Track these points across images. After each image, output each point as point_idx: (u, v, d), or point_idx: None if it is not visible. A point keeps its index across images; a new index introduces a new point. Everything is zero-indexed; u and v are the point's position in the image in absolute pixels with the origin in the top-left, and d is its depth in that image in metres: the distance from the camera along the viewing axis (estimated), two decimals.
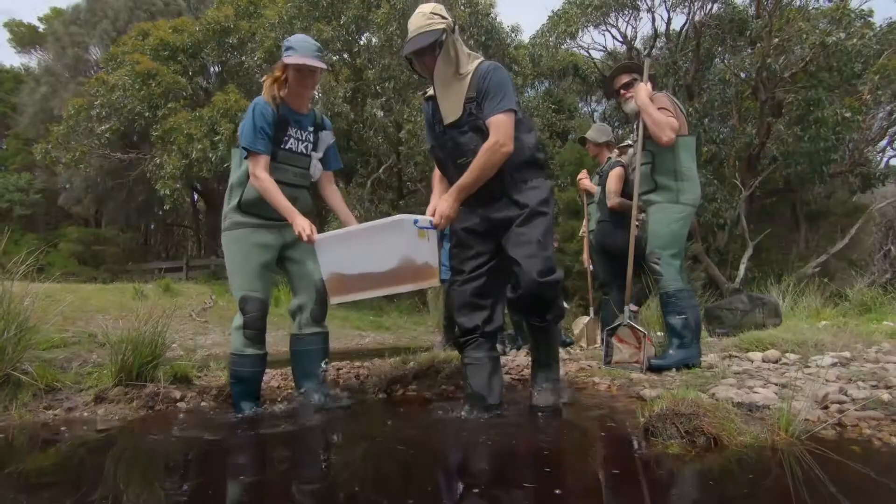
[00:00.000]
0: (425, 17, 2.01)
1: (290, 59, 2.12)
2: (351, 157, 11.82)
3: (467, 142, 2.02)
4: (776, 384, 2.23)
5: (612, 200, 3.71)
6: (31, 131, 15.19)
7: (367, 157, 11.59)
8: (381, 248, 1.96)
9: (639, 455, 1.52)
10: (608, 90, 3.23)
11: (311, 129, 2.30)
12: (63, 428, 2.00)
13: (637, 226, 3.55)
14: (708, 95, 11.11)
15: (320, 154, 2.35)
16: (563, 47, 12.63)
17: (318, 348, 2.31)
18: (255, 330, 2.19)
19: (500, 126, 1.92)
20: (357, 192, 10.61)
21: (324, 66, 2.21)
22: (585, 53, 13.51)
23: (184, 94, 10.85)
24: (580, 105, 15.44)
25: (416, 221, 1.93)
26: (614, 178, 3.73)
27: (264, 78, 2.25)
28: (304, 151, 2.29)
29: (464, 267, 2.14)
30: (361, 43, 11.02)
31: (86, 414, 2.21)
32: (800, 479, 1.29)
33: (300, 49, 2.12)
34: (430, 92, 2.13)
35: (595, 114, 15.57)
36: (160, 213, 16.18)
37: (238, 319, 2.20)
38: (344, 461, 1.65)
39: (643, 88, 2.86)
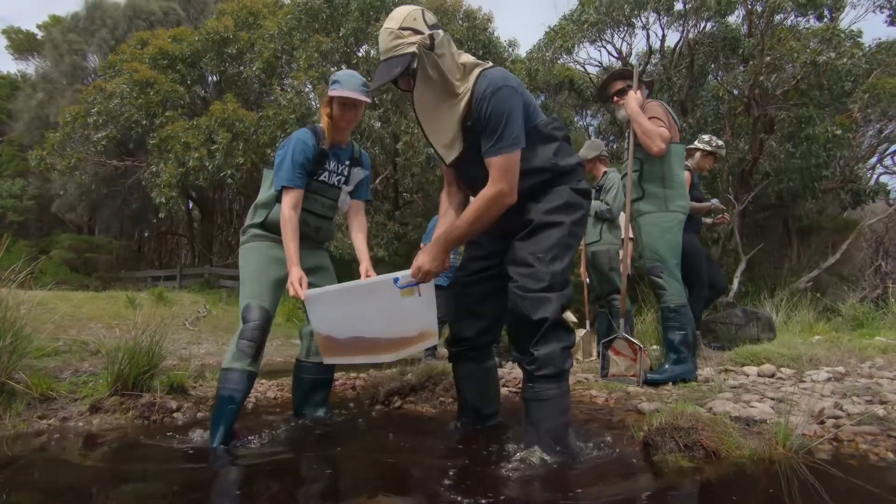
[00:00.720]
0: (392, 36, 1.64)
1: (335, 91, 2.09)
2: None
3: (477, 173, 1.70)
4: (772, 398, 2.24)
5: None
6: (27, 137, 15.14)
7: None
8: (368, 310, 1.84)
9: (639, 468, 1.52)
10: (601, 96, 3.27)
11: (347, 162, 2.27)
12: (57, 436, 1.98)
13: (630, 238, 3.60)
14: (701, 111, 11.27)
15: (350, 187, 2.30)
16: (559, 62, 12.79)
17: (322, 378, 2.29)
18: (250, 341, 2.01)
19: (501, 172, 1.62)
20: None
21: (368, 99, 2.14)
22: (581, 68, 13.69)
23: (181, 102, 10.88)
24: (575, 119, 15.58)
25: (396, 280, 1.78)
26: None
27: (319, 109, 2.26)
28: (336, 184, 2.25)
29: (471, 266, 1.92)
30: (360, 55, 11.12)
31: (81, 424, 2.18)
32: (798, 492, 1.30)
33: (346, 83, 2.09)
34: None
35: (590, 128, 15.73)
36: (154, 221, 16.13)
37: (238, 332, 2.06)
38: (343, 470, 1.64)
39: (633, 98, 2.88)
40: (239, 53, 11.13)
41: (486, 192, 1.64)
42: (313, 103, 10.08)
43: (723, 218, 3.83)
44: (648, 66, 11.95)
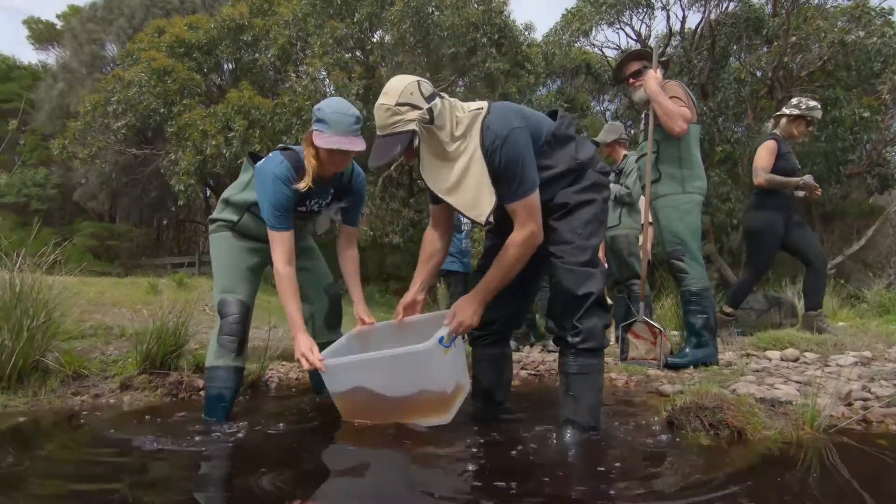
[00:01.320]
0: (389, 113, 1.57)
1: (321, 139, 1.80)
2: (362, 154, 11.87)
3: (504, 214, 1.67)
4: (797, 381, 2.22)
5: (760, 177, 3.42)
6: (48, 127, 15.41)
7: None
8: (401, 376, 1.71)
9: (664, 446, 1.52)
10: (617, 77, 3.18)
11: (331, 192, 2.07)
12: (90, 412, 2.04)
13: (650, 223, 3.55)
14: (722, 94, 10.99)
15: (332, 211, 2.11)
16: (576, 45, 12.58)
17: None
18: (231, 336, 1.93)
19: (528, 214, 1.61)
20: (368, 189, 10.64)
21: (361, 147, 1.83)
22: (598, 52, 13.45)
23: (198, 90, 10.94)
24: (592, 104, 15.35)
25: (440, 340, 1.67)
26: (764, 152, 3.45)
27: (303, 142, 1.93)
28: (317, 209, 2.08)
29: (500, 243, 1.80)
30: (374, 40, 11.05)
31: (112, 400, 2.25)
32: (827, 472, 1.29)
33: (335, 124, 1.79)
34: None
35: (607, 112, 15.48)
36: (173, 208, 16.37)
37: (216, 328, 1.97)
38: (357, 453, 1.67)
39: (652, 77, 2.81)
40: (254, 40, 11.13)
41: (518, 237, 1.64)
42: (328, 90, 10.07)
43: (815, 193, 3.50)
44: (668, 49, 11.69)
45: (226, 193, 2.11)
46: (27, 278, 2.29)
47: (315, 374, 2.24)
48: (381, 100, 1.60)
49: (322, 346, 2.14)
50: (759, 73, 11.02)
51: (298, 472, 1.40)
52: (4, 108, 18.47)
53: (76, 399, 2.23)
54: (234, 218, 2.05)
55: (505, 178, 1.59)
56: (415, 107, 1.58)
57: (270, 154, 1.97)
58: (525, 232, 1.63)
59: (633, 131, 11.85)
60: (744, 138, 10.87)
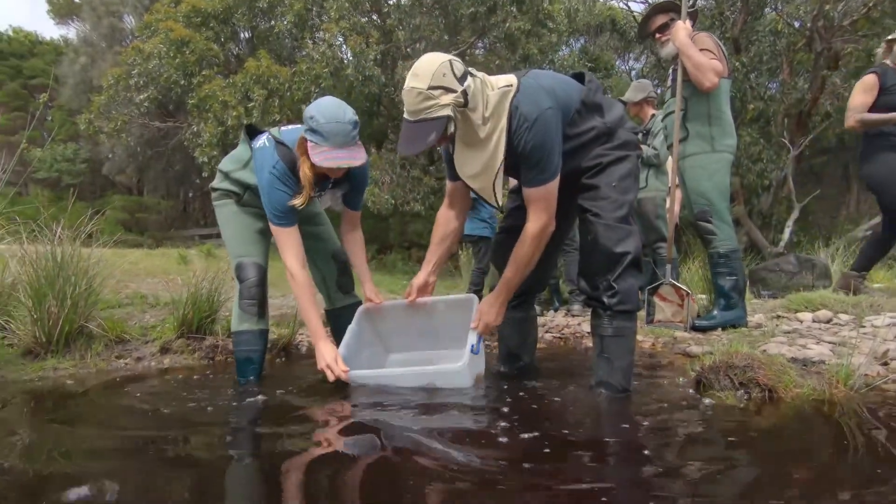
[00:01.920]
0: (421, 98, 1.47)
1: (318, 155, 1.69)
2: (381, 123, 11.78)
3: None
4: (830, 342, 2.18)
5: (850, 119, 3.19)
6: (74, 102, 15.66)
7: (398, 121, 11.51)
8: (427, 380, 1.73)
9: (693, 405, 1.52)
10: (642, 32, 3.03)
11: (329, 184, 1.97)
12: (134, 373, 2.14)
13: (678, 185, 3.45)
14: (756, 48, 10.43)
15: (333, 196, 2.02)
16: (600, 1, 12.03)
17: None
18: (251, 300, 1.96)
19: (544, 203, 1.58)
20: (388, 157, 10.60)
21: (362, 159, 1.74)
22: (624, 6, 12.84)
23: (216, 61, 10.92)
24: (617, 63, 14.78)
25: (472, 349, 1.69)
26: (858, 90, 3.18)
27: (297, 147, 1.81)
28: (317, 195, 1.99)
29: (523, 213, 1.77)
30: (391, 2, 10.77)
31: (153, 363, 2.36)
32: (860, 430, 1.28)
33: (330, 137, 1.67)
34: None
35: (633, 71, 14.90)
36: (197, 180, 16.62)
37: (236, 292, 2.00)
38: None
39: (682, 28, 2.68)
40: (270, 7, 10.96)
41: (532, 228, 1.61)
42: (345, 57, 9.93)
43: None
44: (699, 1, 11.07)
45: (225, 166, 2.05)
46: (67, 250, 2.38)
47: (338, 338, 2.22)
48: (412, 83, 1.48)
49: (340, 312, 2.19)
50: (796, 24, 10.38)
51: (326, 430, 1.45)
52: (31, 85, 18.83)
53: (120, 362, 2.35)
54: (236, 191, 2.03)
55: (528, 162, 1.54)
56: (448, 89, 1.48)
57: (265, 140, 1.88)
58: (539, 224, 1.60)
59: (659, 90, 11.40)
60: (778, 95, 10.37)
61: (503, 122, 1.53)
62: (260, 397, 1.73)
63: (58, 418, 1.57)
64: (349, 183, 2.00)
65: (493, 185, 1.59)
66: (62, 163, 16.29)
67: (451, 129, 1.52)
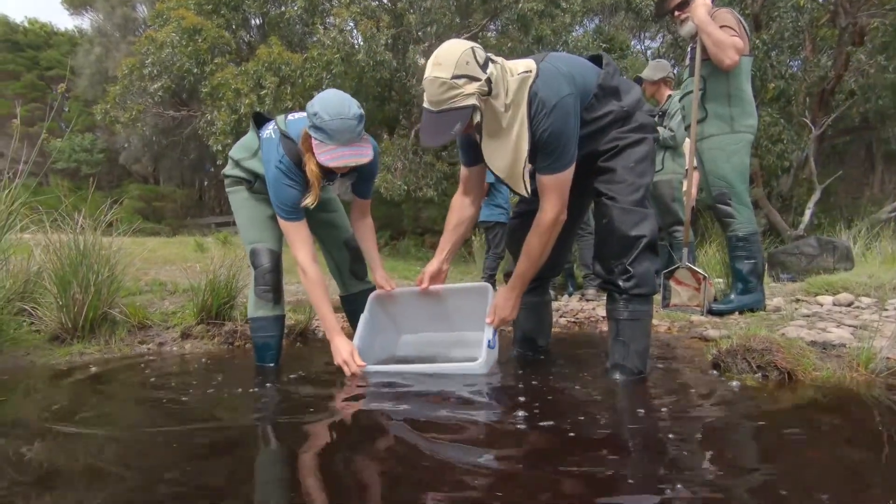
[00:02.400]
0: (445, 88, 1.42)
1: (324, 154, 1.65)
2: (393, 108, 11.70)
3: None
4: (851, 325, 2.14)
5: None
6: (90, 93, 15.84)
7: (410, 107, 11.43)
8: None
9: (710, 388, 1.52)
10: (660, 10, 2.95)
11: (337, 175, 1.92)
12: (157, 358, 2.20)
13: (695, 168, 3.39)
14: (778, 24, 10.09)
15: (342, 185, 1.99)
16: None
17: None
18: (266, 286, 1.98)
19: (556, 192, 1.56)
20: (400, 143, 10.56)
21: (369, 155, 1.70)
22: None
23: (228, 48, 10.92)
24: (633, 43, 14.44)
25: (489, 345, 1.71)
26: None
27: (301, 142, 1.77)
28: (327, 184, 1.96)
29: (534, 201, 1.76)
30: None
31: (175, 348, 2.41)
32: (881, 414, 1.26)
33: (336, 135, 1.63)
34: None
35: (648, 51, 14.56)
36: (212, 169, 16.80)
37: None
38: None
39: (701, 4, 2.60)
40: None
41: (545, 218, 1.59)
42: (356, 42, 9.86)
43: None
44: None
45: (235, 154, 2.04)
46: (88, 238, 2.43)
47: (353, 323, 2.24)
48: (434, 72, 1.44)
49: (355, 297, 2.19)
50: None
51: (341, 416, 1.48)
52: (48, 76, 19.07)
53: (143, 347, 2.41)
54: (248, 178, 2.02)
55: (545, 149, 1.51)
56: (472, 78, 1.44)
57: (272, 131, 1.85)
58: (552, 213, 1.58)
59: (677, 70, 11.14)
60: (800, 73, 10.06)
61: (523, 109, 1.49)
62: (277, 384, 1.77)
63: (87, 401, 1.63)
64: (358, 172, 1.97)
65: (523, 174, 1.56)
66: (80, 153, 16.56)
67: (477, 118, 1.49)
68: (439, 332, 2.13)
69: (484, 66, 1.46)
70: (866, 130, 11.38)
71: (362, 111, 1.69)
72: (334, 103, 1.65)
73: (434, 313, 2.08)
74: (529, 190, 1.61)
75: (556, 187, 1.56)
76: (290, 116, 1.88)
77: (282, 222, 1.85)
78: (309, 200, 1.78)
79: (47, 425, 1.34)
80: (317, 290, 1.84)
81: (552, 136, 1.49)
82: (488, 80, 1.45)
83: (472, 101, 1.44)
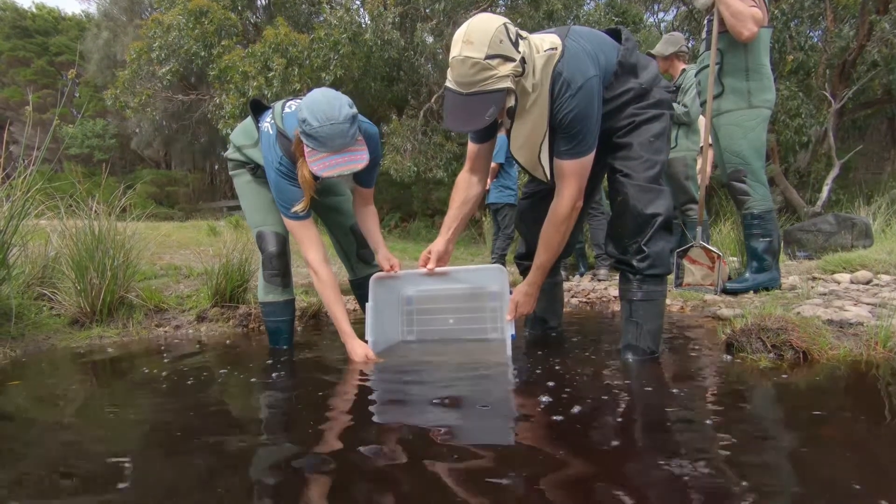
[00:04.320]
0: (477, 68, 1.32)
1: (316, 163, 1.59)
2: (401, 88, 11.56)
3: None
4: (869, 304, 2.11)
5: None
6: (100, 78, 15.85)
7: (419, 86, 11.29)
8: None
9: (724, 369, 1.51)
10: None
11: None
12: (175, 340, 2.24)
13: (710, 145, 3.32)
14: None
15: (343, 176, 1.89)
16: None
17: None
18: (274, 271, 1.98)
19: (575, 177, 1.51)
20: (410, 123, 10.47)
21: (364, 159, 1.61)
22: None
23: (235, 30, 10.82)
24: (646, 16, 14.04)
25: (513, 338, 1.76)
26: None
27: (294, 147, 1.71)
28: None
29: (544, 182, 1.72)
30: None
31: (191, 331, 2.46)
32: None
33: (327, 142, 1.56)
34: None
35: (662, 24, 14.17)
36: (223, 153, 16.82)
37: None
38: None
39: None
40: None
41: (563, 207, 1.55)
42: (363, 20, 9.71)
43: None
44: None
45: (237, 140, 2.00)
46: (103, 224, 2.46)
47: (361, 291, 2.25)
48: (465, 51, 1.32)
49: (364, 281, 2.12)
50: None
51: (356, 391, 1.50)
52: (57, 62, 19.12)
53: (160, 330, 2.45)
54: (251, 164, 1.99)
55: (567, 132, 1.45)
56: (507, 58, 1.33)
57: (269, 125, 1.78)
58: (569, 201, 1.54)
59: (692, 43, 10.85)
60: (820, 44, 9.73)
61: (546, 89, 1.41)
62: (290, 367, 1.79)
63: (103, 386, 1.66)
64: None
65: (539, 157, 1.51)
66: (92, 139, 16.66)
67: (511, 102, 1.40)
68: (443, 286, 2.05)
69: (516, 44, 1.37)
70: (889, 103, 11.02)
71: (354, 110, 1.61)
72: (323, 107, 1.56)
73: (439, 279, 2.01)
74: (549, 175, 1.56)
75: (575, 173, 1.51)
76: (286, 108, 1.80)
77: (288, 223, 1.83)
78: (300, 207, 1.75)
79: (60, 411, 1.38)
80: (328, 293, 1.82)
81: (576, 118, 1.42)
82: (522, 60, 1.36)
83: (507, 83, 1.35)
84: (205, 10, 10.21)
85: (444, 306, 2.11)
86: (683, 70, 3.77)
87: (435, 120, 11.24)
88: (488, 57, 1.31)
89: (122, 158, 18.44)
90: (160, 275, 3.77)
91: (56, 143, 12.90)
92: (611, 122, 1.60)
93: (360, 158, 1.61)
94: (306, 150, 1.61)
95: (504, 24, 1.36)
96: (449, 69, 1.38)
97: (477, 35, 1.32)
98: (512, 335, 1.77)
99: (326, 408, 1.32)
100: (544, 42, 1.44)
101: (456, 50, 1.34)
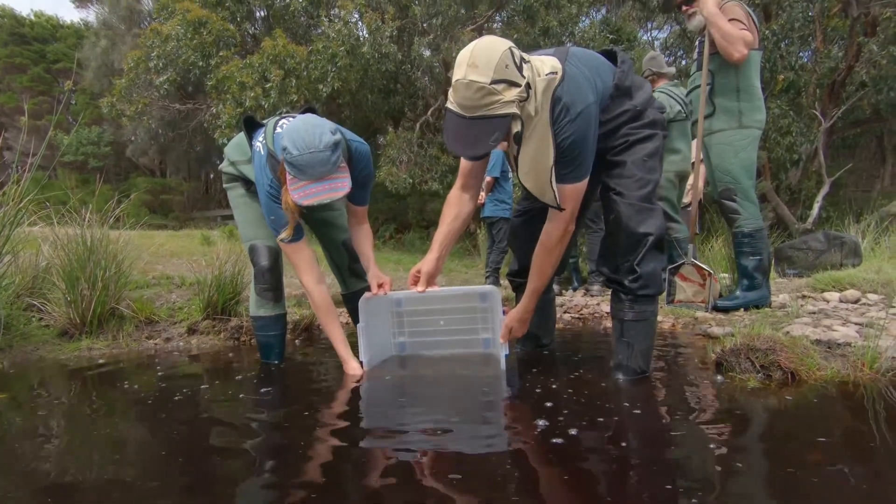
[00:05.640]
0: (482, 93, 1.29)
1: (297, 192, 1.57)
2: (398, 100, 11.65)
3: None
4: (857, 323, 2.13)
5: None
6: (96, 86, 15.88)
7: (415, 99, 11.38)
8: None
9: (714, 389, 1.52)
10: (667, 5, 2.91)
11: None
12: (164, 353, 2.23)
13: (701, 160, 3.35)
14: (787, 15, 9.94)
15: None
16: None
17: None
18: (266, 285, 1.97)
19: (570, 200, 1.52)
20: (406, 136, 10.53)
21: (347, 187, 1.59)
22: None
23: (233, 41, 10.89)
24: (640, 33, 14.26)
25: (507, 356, 1.80)
26: None
27: (280, 172, 1.67)
28: None
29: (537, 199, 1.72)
30: None
31: (181, 344, 2.44)
32: (885, 414, 1.26)
33: (308, 170, 1.53)
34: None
35: (656, 42, 14.40)
36: (218, 162, 16.81)
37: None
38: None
39: None
40: None
41: (555, 233, 1.57)
42: (361, 33, 9.81)
43: None
44: None
45: (231, 155, 1.99)
46: (96, 233, 2.46)
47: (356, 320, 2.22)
48: (471, 74, 1.29)
49: (356, 295, 2.09)
50: None
51: (349, 409, 1.49)
52: (55, 69, 19.13)
53: (150, 342, 2.43)
54: (245, 178, 1.98)
55: (563, 157, 1.45)
56: (512, 83, 1.31)
57: (260, 145, 1.76)
58: (561, 225, 1.56)
59: (684, 63, 11.01)
60: (810, 64, 9.92)
61: (546, 113, 1.40)
62: (281, 382, 1.79)
63: (89, 399, 1.65)
64: (352, 179, 1.87)
65: (551, 183, 1.46)
66: (88, 146, 16.64)
67: (517, 127, 1.38)
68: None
69: (520, 69, 1.35)
70: (877, 122, 11.22)
71: (337, 137, 1.57)
72: (303, 135, 1.53)
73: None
74: (559, 201, 1.51)
75: (570, 198, 1.52)
76: (277, 128, 1.74)
77: (281, 245, 1.82)
78: (284, 234, 1.74)
79: (46, 424, 1.36)
80: (324, 316, 1.85)
81: (574, 144, 1.43)
82: (527, 86, 1.35)
83: (512, 108, 1.33)
84: (204, 21, 10.28)
85: (433, 307, 2.12)
86: (655, 89, 3.79)
87: (431, 132, 11.32)
88: (494, 82, 1.29)
89: (116, 166, 18.40)
90: (152, 284, 3.75)
91: (51, 150, 12.85)
92: (606, 143, 1.62)
93: (341, 186, 1.58)
94: (288, 177, 1.60)
95: (510, 48, 1.35)
96: (451, 91, 1.35)
97: (482, 59, 1.30)
98: (506, 353, 1.78)
99: (314, 427, 1.32)
100: (545, 66, 1.44)
101: (460, 73, 1.32)
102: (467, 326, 2.09)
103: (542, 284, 1.71)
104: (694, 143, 3.39)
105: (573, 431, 1.18)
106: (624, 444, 1.12)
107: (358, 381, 1.74)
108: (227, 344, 2.45)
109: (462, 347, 2.07)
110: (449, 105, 1.37)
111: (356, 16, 9.79)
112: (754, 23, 2.60)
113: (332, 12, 10.63)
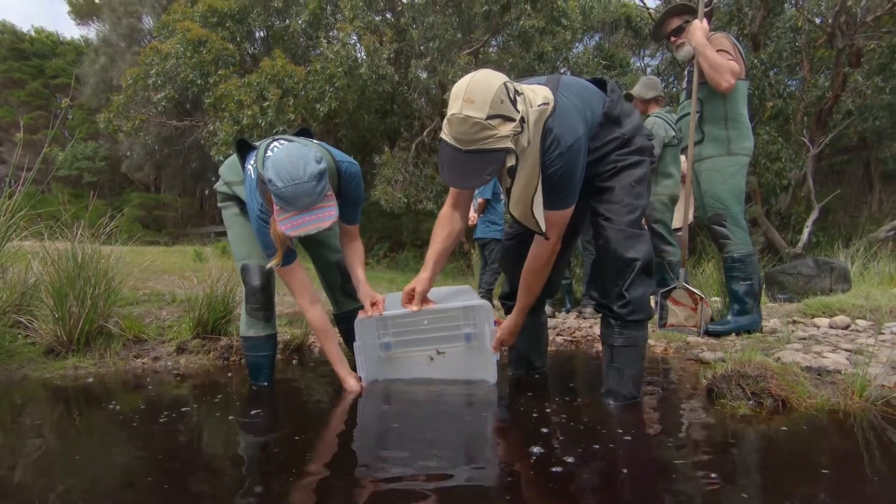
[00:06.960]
0: (478, 128, 1.31)
1: (284, 223, 1.57)
2: (395, 121, 11.79)
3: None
4: (847, 350, 2.14)
5: None
6: (94, 101, 15.96)
7: (411, 120, 11.52)
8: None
9: (704, 415, 1.51)
10: (657, 35, 3.00)
11: None
12: (152, 373, 2.19)
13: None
14: (775, 45, 10.22)
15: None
16: None
17: None
18: (257, 305, 1.96)
19: (555, 226, 1.56)
20: (402, 155, 10.62)
21: (333, 216, 1.59)
22: (639, 2, 12.69)
23: (233, 60, 11.02)
24: (633, 60, 14.59)
25: (497, 361, 1.87)
26: None
27: (267, 200, 1.69)
28: None
29: None
30: (405, 1, 10.78)
31: (170, 363, 2.40)
32: (875, 443, 1.26)
33: (293, 201, 1.53)
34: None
35: (648, 69, 14.70)
36: (214, 179, 16.85)
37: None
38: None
39: (698, 28, 2.65)
40: (285, 6, 11.05)
41: (542, 255, 1.63)
42: (359, 55, 9.96)
43: None
44: None
45: (226, 175, 2.00)
46: (87, 249, 2.44)
47: (348, 340, 2.24)
48: (466, 110, 1.30)
49: (348, 315, 2.13)
50: (817, 20, 10.16)
51: (339, 431, 1.47)
52: (53, 84, 19.22)
53: (138, 361, 2.40)
54: (239, 198, 1.98)
55: (552, 187, 1.47)
56: (507, 118, 1.33)
57: (252, 169, 1.75)
58: (548, 248, 1.61)
59: (675, 89, 11.24)
60: (798, 92, 10.16)
61: (537, 143, 1.42)
62: (270, 404, 1.76)
63: (74, 418, 1.62)
64: (342, 199, 1.86)
65: (533, 211, 1.47)
66: (82, 161, 16.63)
67: (511, 161, 1.39)
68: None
69: (515, 103, 1.37)
70: (864, 150, 11.47)
71: (322, 166, 1.57)
72: (286, 167, 1.53)
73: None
74: (543, 228, 1.51)
75: (555, 224, 1.56)
76: (268, 151, 1.70)
77: (285, 280, 1.84)
78: (273, 262, 1.75)
79: (28, 445, 1.33)
80: (321, 336, 1.89)
81: (563, 175, 1.46)
82: (522, 120, 1.37)
83: (507, 143, 1.34)
84: (203, 41, 10.41)
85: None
86: (647, 116, 3.87)
87: (426, 153, 11.42)
88: (489, 117, 1.31)
89: (111, 181, 18.36)
90: (142, 300, 3.71)
91: (46, 165, 12.80)
92: (595, 168, 1.64)
93: (327, 216, 1.58)
94: (276, 208, 1.59)
95: (504, 83, 1.36)
96: (446, 123, 1.36)
97: (478, 94, 1.31)
98: (496, 358, 1.86)
99: (304, 451, 1.30)
100: (537, 96, 1.45)
101: (456, 107, 1.33)
102: (450, 324, 2.05)
103: (530, 302, 1.78)
104: (683, 167, 3.44)
105: (569, 458, 1.17)
106: (616, 472, 1.12)
107: (356, 398, 1.76)
108: (216, 364, 2.42)
109: (445, 343, 2.01)
110: (444, 136, 1.38)
111: (354, 38, 9.96)
112: (741, 53, 2.68)
113: (330, 34, 10.83)
